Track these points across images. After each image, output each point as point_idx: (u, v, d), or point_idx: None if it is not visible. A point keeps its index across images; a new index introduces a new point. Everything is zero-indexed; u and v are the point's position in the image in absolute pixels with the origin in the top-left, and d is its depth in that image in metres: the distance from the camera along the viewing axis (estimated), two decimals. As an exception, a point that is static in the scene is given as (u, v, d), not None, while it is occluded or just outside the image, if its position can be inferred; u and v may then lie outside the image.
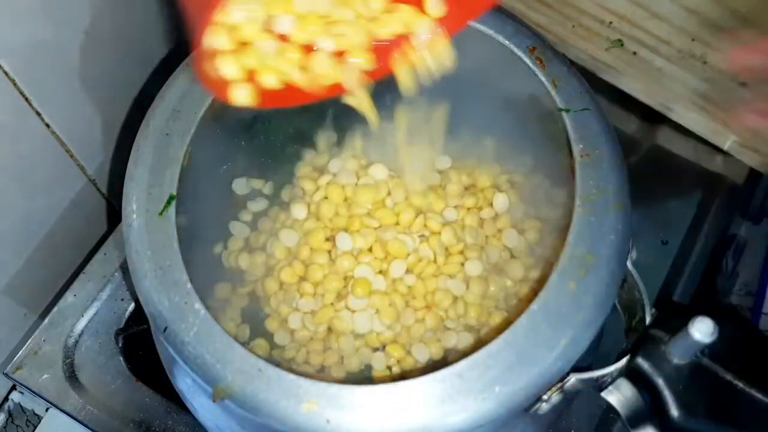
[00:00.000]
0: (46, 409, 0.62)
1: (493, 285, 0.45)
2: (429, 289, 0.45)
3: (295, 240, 0.48)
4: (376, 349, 0.45)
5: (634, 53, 0.64)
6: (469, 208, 0.48)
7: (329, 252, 0.46)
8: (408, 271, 0.46)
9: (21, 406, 0.65)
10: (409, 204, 0.47)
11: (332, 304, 0.45)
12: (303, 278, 0.46)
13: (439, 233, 0.46)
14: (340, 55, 0.40)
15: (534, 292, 0.45)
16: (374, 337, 0.45)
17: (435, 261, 0.46)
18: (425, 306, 0.45)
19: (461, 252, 0.46)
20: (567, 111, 0.45)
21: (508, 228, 0.48)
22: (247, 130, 0.52)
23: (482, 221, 0.48)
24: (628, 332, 0.45)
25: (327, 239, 0.47)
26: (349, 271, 0.45)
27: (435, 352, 0.44)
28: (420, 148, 0.50)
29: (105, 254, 0.62)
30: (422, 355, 0.44)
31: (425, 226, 0.47)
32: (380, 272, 0.46)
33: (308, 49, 0.39)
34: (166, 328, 0.40)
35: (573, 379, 0.41)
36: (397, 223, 0.47)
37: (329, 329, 0.45)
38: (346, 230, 0.47)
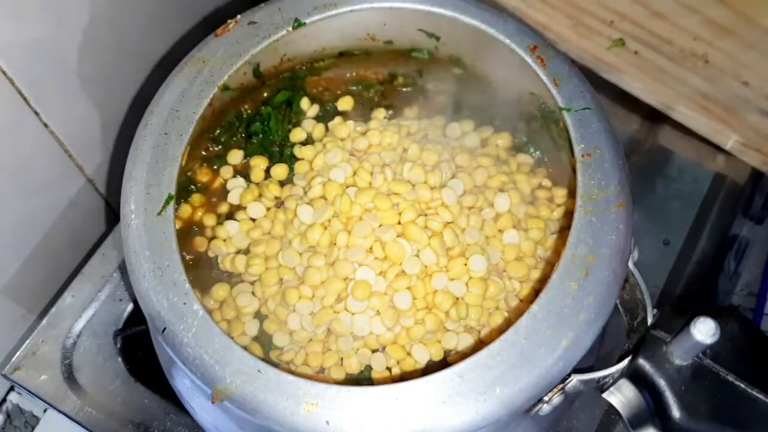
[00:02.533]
0: (45, 410, 0.61)
1: (494, 286, 0.45)
2: (429, 291, 0.45)
3: (294, 241, 0.47)
4: (375, 351, 0.45)
5: (636, 52, 0.64)
6: (470, 208, 0.48)
7: (328, 253, 0.46)
8: (408, 272, 0.45)
9: (19, 407, 0.65)
10: (410, 204, 0.47)
11: (331, 306, 0.45)
12: (302, 281, 0.46)
13: (440, 234, 0.46)
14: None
15: (535, 293, 0.44)
16: (374, 338, 0.44)
17: (436, 262, 0.46)
18: (425, 307, 0.45)
19: (462, 253, 0.46)
20: (568, 110, 0.45)
21: (509, 228, 0.47)
22: (245, 130, 0.52)
23: (483, 222, 0.47)
24: (629, 333, 0.45)
25: (327, 240, 0.47)
26: (350, 273, 0.45)
27: (435, 353, 0.44)
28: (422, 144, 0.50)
29: (103, 254, 0.62)
30: (422, 356, 0.44)
31: (426, 226, 0.46)
32: (380, 273, 0.45)
33: None
34: (164, 329, 0.40)
35: (574, 380, 0.41)
36: (399, 223, 0.47)
37: (328, 331, 0.45)
38: (345, 230, 0.46)
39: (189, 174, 0.49)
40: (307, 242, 0.46)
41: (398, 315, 0.44)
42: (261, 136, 0.52)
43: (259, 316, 0.46)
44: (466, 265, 0.46)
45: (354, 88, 0.55)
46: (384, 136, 0.51)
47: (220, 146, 0.51)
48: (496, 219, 0.48)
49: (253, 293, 0.47)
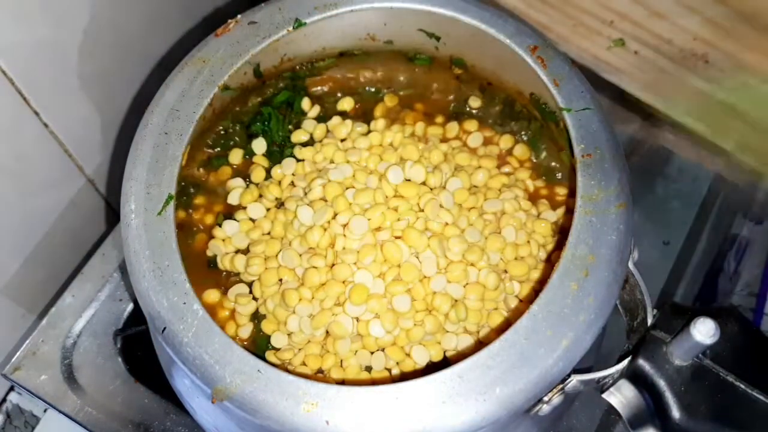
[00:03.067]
0: (45, 410, 0.62)
1: (494, 287, 0.45)
2: (428, 292, 0.45)
3: (294, 242, 0.47)
4: (373, 353, 0.45)
5: (636, 52, 0.64)
6: (470, 209, 0.48)
7: (328, 255, 0.46)
8: (407, 274, 0.45)
9: (19, 407, 0.65)
10: (409, 207, 0.47)
11: (330, 309, 0.45)
12: (301, 282, 0.46)
13: (440, 235, 0.46)
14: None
15: (535, 293, 0.44)
16: (373, 341, 0.44)
17: (435, 264, 0.45)
18: (425, 309, 0.45)
19: (462, 254, 0.46)
20: (568, 111, 0.45)
21: (509, 228, 0.47)
22: (246, 130, 0.52)
23: (483, 222, 0.47)
24: (629, 333, 0.45)
25: (326, 241, 0.46)
26: (349, 276, 0.45)
27: (435, 354, 0.44)
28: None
29: (103, 254, 0.62)
30: (422, 357, 0.44)
31: (426, 228, 0.46)
32: (380, 275, 0.45)
33: None
34: (164, 329, 0.40)
35: (574, 380, 0.41)
36: (398, 220, 0.46)
37: (327, 333, 0.45)
38: (344, 233, 0.46)
39: (189, 174, 0.49)
40: (307, 243, 0.46)
41: (397, 317, 0.44)
42: (261, 136, 0.52)
43: (256, 316, 0.46)
44: (466, 267, 0.45)
45: (355, 88, 0.55)
46: (385, 136, 0.51)
47: (220, 146, 0.51)
48: (496, 219, 0.48)
49: (251, 293, 0.46)
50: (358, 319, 0.45)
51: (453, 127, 0.52)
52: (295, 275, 0.46)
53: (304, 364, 0.44)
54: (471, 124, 0.53)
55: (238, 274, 0.47)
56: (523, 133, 0.52)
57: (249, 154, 0.51)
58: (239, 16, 0.50)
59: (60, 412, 0.56)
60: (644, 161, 0.68)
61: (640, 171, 0.67)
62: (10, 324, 0.62)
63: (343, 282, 0.45)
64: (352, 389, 0.38)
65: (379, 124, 0.52)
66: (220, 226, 0.48)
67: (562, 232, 0.48)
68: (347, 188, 0.48)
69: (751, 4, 0.60)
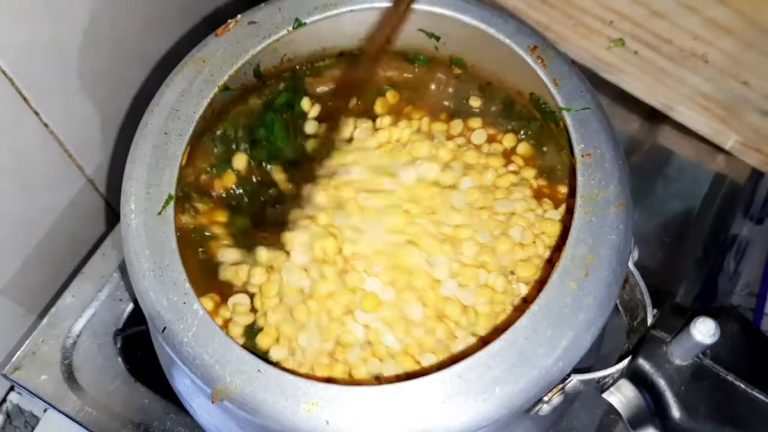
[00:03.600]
0: (45, 410, 0.62)
1: (503, 289, 0.45)
2: (439, 298, 0.45)
3: (300, 250, 0.47)
4: (383, 360, 0.44)
5: (636, 52, 0.64)
6: (480, 208, 0.48)
7: (336, 262, 0.45)
8: (418, 279, 0.45)
9: (19, 407, 0.65)
10: (422, 210, 0.47)
11: (340, 318, 0.44)
12: (310, 294, 0.45)
13: (452, 238, 0.46)
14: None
15: (535, 292, 0.44)
16: (383, 349, 0.44)
17: (448, 268, 0.45)
18: (435, 316, 0.44)
19: (474, 257, 0.45)
20: (568, 110, 0.45)
21: (515, 228, 0.47)
22: (249, 135, 0.52)
23: (495, 223, 0.47)
24: (629, 333, 0.45)
25: (335, 248, 0.46)
26: (358, 283, 0.45)
27: (442, 359, 0.44)
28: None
29: (103, 254, 0.62)
30: (430, 363, 0.43)
31: (438, 230, 0.46)
32: (390, 282, 0.45)
33: None
34: (164, 329, 0.40)
35: (574, 380, 0.41)
36: (410, 223, 0.46)
37: (337, 342, 0.44)
38: (353, 238, 0.46)
39: (193, 179, 0.49)
40: (314, 251, 0.46)
41: (409, 326, 0.44)
42: (266, 143, 0.52)
43: (252, 329, 0.46)
44: (477, 270, 0.45)
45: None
46: (392, 133, 0.50)
47: (224, 152, 0.51)
48: (506, 220, 0.47)
49: (252, 305, 0.46)
50: (367, 327, 0.44)
51: (457, 124, 0.52)
52: (302, 285, 0.45)
53: (312, 372, 0.43)
54: (474, 121, 0.52)
55: (239, 284, 0.47)
56: (522, 132, 0.52)
57: (254, 159, 0.51)
58: (239, 16, 0.50)
59: (60, 412, 0.56)
60: (644, 161, 0.68)
61: (640, 171, 0.67)
62: (10, 324, 0.62)
63: (353, 290, 0.44)
64: (352, 389, 0.38)
65: (385, 121, 0.52)
66: (223, 232, 0.48)
67: (562, 232, 0.48)
68: (356, 190, 0.48)
69: (751, 4, 0.60)
